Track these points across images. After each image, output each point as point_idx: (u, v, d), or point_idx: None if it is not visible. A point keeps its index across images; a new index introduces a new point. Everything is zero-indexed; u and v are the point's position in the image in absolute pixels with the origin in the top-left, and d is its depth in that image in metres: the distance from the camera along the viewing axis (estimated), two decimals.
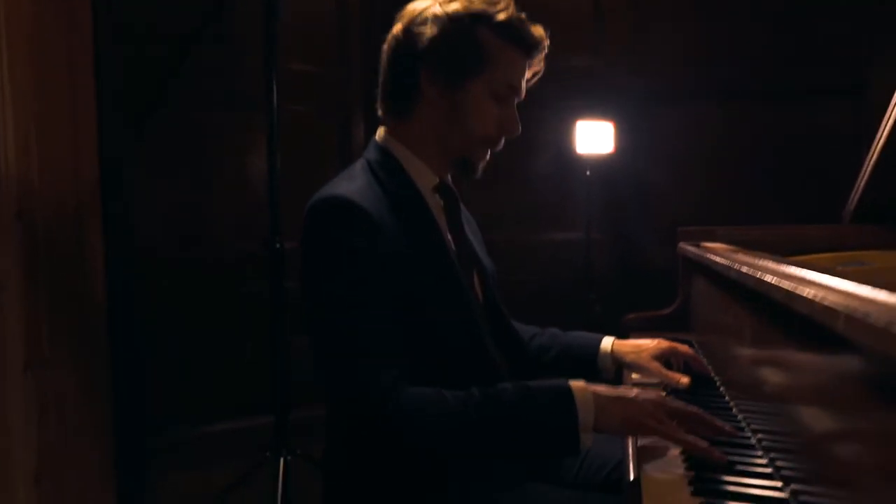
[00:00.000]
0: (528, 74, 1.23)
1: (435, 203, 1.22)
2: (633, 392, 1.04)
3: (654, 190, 3.12)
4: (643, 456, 1.01)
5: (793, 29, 3.09)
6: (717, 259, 1.34)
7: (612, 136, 2.78)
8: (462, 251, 1.24)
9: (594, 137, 2.77)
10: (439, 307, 1.11)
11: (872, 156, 1.75)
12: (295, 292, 2.05)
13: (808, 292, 0.67)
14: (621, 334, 2.06)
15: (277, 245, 2.07)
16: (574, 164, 2.90)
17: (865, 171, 1.80)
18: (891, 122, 1.63)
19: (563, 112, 3.04)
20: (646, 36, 3.17)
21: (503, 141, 1.23)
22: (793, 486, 0.87)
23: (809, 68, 3.08)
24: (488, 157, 1.25)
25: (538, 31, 1.21)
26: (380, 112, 1.25)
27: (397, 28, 1.21)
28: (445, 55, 1.16)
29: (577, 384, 1.02)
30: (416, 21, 1.18)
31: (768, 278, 0.86)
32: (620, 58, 3.19)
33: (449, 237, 1.22)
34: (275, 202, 2.10)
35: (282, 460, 1.93)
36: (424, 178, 1.21)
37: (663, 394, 1.12)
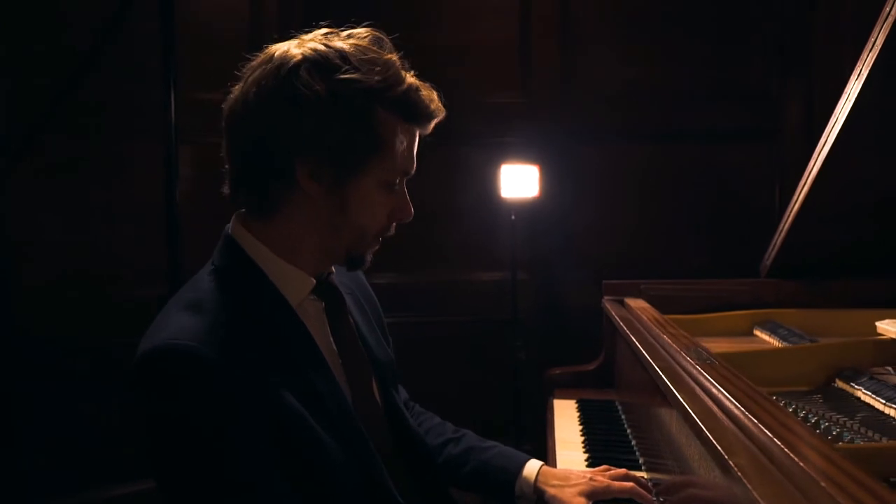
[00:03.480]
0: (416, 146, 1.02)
1: (313, 308, 1.02)
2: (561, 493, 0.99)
3: (579, 233, 3.11)
4: None
5: (713, 72, 3.15)
6: (636, 343, 1.31)
7: (536, 179, 2.75)
8: (351, 361, 1.04)
9: (519, 181, 2.73)
10: (331, 458, 0.92)
11: (789, 215, 1.76)
12: None
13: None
14: (546, 390, 2.03)
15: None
16: (499, 207, 2.85)
17: (782, 228, 1.81)
18: (808, 182, 1.64)
19: (487, 150, 3.00)
20: (572, 76, 3.17)
21: (395, 226, 1.04)
22: None
23: (730, 111, 3.15)
24: (377, 247, 1.05)
25: (432, 96, 1.00)
26: (230, 198, 0.99)
27: (252, 93, 0.93)
28: (334, 146, 0.93)
29: None
30: (285, 93, 0.91)
31: (680, 395, 0.82)
32: (546, 97, 3.18)
33: (333, 346, 1.03)
34: (174, 242, 1.95)
35: None
36: (296, 287, 0.98)
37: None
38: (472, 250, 3.11)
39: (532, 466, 1.17)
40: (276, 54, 0.95)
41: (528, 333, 2.86)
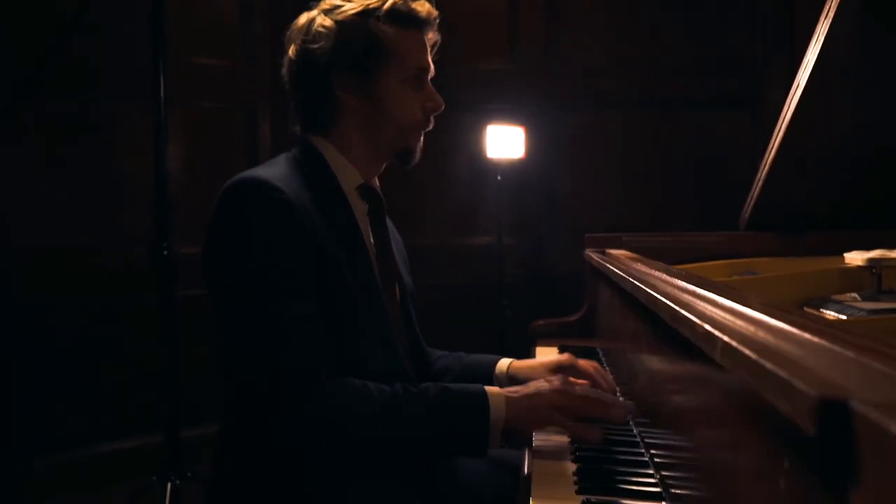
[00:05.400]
0: (429, 49, 1.24)
1: (360, 207, 1.21)
2: (538, 385, 1.08)
3: (565, 195, 3.15)
4: (538, 454, 1.05)
5: (697, 42, 3.19)
6: (615, 269, 1.34)
7: (522, 141, 2.78)
8: (383, 261, 1.22)
9: (505, 142, 2.76)
10: (356, 309, 1.09)
11: (765, 166, 1.79)
12: (186, 300, 2.00)
13: (689, 316, 0.66)
14: (530, 341, 2.07)
15: (165, 251, 1.91)
16: (486, 170, 2.89)
17: (759, 180, 1.85)
18: (781, 131, 1.67)
19: (475, 116, 3.03)
20: (558, 45, 3.20)
21: (433, 120, 1.25)
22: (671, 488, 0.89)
23: (712, 80, 3.18)
24: (422, 140, 1.26)
25: (424, 5, 1.22)
26: (300, 130, 1.24)
27: (292, 51, 1.21)
28: (350, 61, 1.17)
29: (491, 388, 1.06)
30: (308, 39, 1.18)
31: (657, 295, 0.85)
32: (533, 64, 3.20)
33: (371, 241, 1.21)
34: (163, 205, 1.96)
35: (169, 485, 1.80)
36: (349, 177, 1.20)
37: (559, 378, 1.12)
38: (461, 215, 3.15)
39: (504, 362, 1.39)
40: (302, 18, 1.22)
41: (515, 295, 2.91)
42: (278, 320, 1.00)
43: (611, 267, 1.41)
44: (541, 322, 2.06)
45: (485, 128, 2.82)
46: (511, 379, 1.33)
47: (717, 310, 0.65)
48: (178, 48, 2.28)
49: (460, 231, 3.16)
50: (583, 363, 1.33)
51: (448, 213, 3.14)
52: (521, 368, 1.36)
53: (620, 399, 1.27)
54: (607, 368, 1.65)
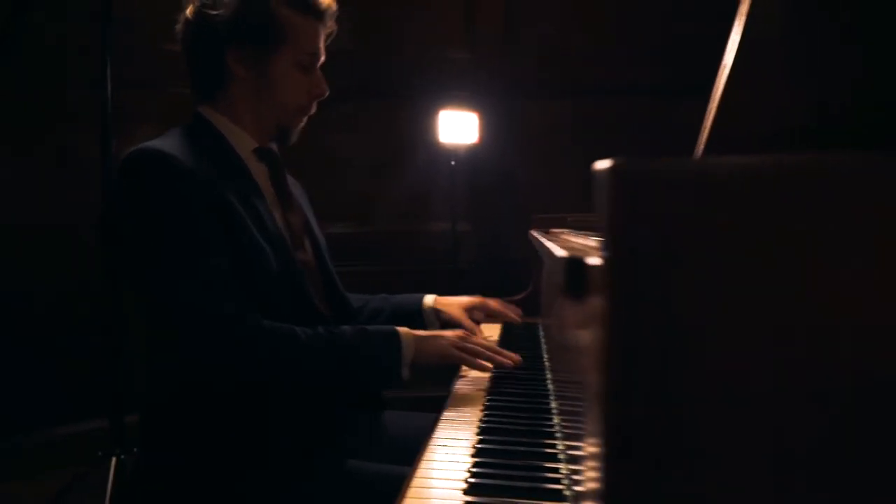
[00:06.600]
0: (324, 37, 1.29)
1: (259, 169, 1.27)
2: (443, 332, 1.29)
3: (520, 182, 3.18)
4: (444, 424, 1.11)
5: (652, 30, 3.23)
6: (543, 241, 1.37)
7: (476, 126, 2.81)
8: (290, 217, 1.28)
9: (458, 127, 2.79)
10: (266, 261, 1.15)
11: (700, 143, 1.84)
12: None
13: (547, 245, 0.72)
14: (476, 321, 2.10)
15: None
16: (439, 154, 2.91)
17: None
18: (711, 115, 1.71)
19: (430, 102, 3.04)
20: (516, 32, 3.23)
21: (316, 105, 1.30)
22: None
23: (668, 68, 3.23)
24: (304, 122, 1.31)
25: None
26: (193, 97, 1.28)
27: (190, 11, 1.24)
28: (247, 35, 1.21)
29: (402, 328, 1.21)
30: (209, 3, 1.22)
31: (547, 243, 0.89)
32: (490, 52, 3.23)
33: (275, 199, 1.27)
34: (109, 191, 1.96)
35: (114, 459, 1.82)
36: (243, 142, 1.25)
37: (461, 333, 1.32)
38: (415, 202, 3.16)
39: (429, 298, 1.62)
40: None
41: (470, 280, 2.93)
42: (196, 273, 1.07)
43: (541, 240, 1.44)
44: None
45: (438, 113, 2.84)
46: (436, 312, 1.59)
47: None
48: (150, 35, 2.27)
49: (415, 217, 3.18)
50: (491, 302, 1.66)
51: (402, 200, 3.15)
52: (443, 303, 1.62)
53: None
54: (544, 342, 1.69)
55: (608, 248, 0.42)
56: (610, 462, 0.42)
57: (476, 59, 3.23)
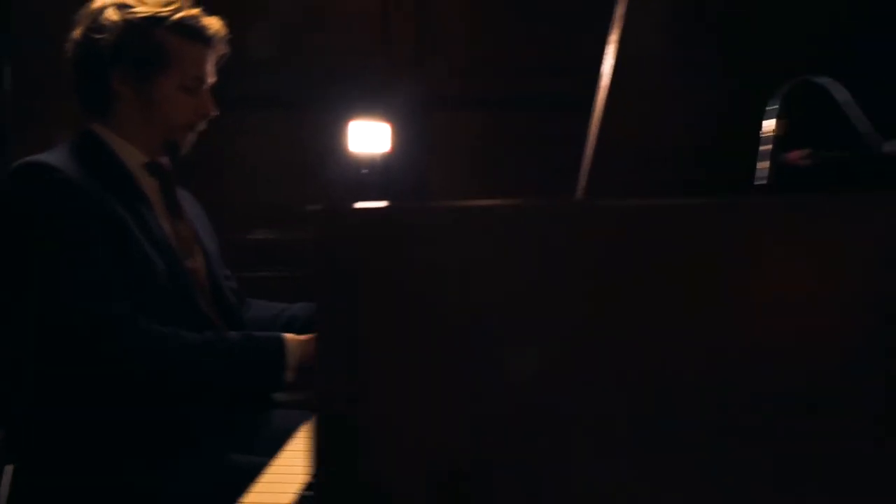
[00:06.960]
0: (213, 61, 1.34)
1: (149, 183, 1.31)
2: None
3: (432, 193, 3.26)
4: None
5: (555, 43, 3.36)
6: None
7: (388, 136, 2.87)
8: (179, 227, 1.33)
9: (369, 137, 2.84)
10: (153, 270, 1.20)
11: (587, 159, 1.92)
12: None
13: None
14: None
15: None
16: (351, 164, 2.96)
17: (581, 179, 1.98)
18: (594, 128, 1.80)
19: (341, 113, 3.08)
20: (428, 47, 3.31)
21: (205, 123, 1.35)
22: None
23: (573, 79, 3.35)
24: (194, 137, 1.36)
25: (214, 23, 1.32)
26: (82, 111, 1.33)
27: (77, 33, 1.28)
28: (131, 59, 1.26)
29: (289, 335, 1.24)
30: (94, 28, 1.25)
31: None
32: (404, 66, 3.30)
33: (165, 211, 1.32)
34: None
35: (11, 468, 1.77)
36: (132, 157, 1.30)
37: None
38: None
39: None
40: (96, 2, 1.29)
41: None
42: (84, 277, 1.11)
43: None
44: None
45: (347, 124, 2.88)
46: None
47: None
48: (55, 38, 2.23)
49: None
50: None
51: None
52: None
53: None
54: None
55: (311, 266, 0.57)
56: None
57: (390, 70, 3.29)
